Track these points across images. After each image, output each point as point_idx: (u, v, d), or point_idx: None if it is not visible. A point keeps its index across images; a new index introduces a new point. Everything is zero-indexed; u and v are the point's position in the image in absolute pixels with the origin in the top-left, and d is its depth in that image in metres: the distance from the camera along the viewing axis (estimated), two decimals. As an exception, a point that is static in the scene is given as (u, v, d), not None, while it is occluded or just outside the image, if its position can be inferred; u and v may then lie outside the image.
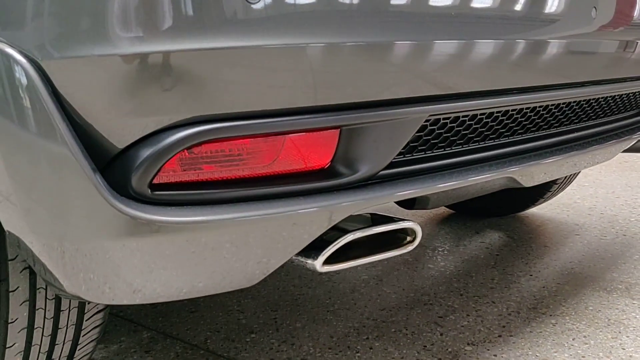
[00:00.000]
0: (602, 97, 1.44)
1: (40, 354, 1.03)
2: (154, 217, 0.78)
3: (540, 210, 2.58)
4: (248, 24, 0.77)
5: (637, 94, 1.62)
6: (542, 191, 2.29)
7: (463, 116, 1.07)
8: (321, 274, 1.91)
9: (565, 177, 2.24)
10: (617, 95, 1.51)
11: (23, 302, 0.96)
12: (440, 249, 2.15)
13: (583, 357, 1.43)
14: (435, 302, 1.72)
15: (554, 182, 2.23)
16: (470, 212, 2.54)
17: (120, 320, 1.61)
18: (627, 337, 1.52)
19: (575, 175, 2.32)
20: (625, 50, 1.36)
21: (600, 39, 1.26)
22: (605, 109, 1.51)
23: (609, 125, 1.53)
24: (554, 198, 2.66)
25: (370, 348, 1.46)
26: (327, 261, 0.94)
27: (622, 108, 1.61)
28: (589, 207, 2.65)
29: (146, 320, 1.61)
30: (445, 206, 2.59)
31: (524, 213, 2.55)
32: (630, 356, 1.43)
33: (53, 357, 1.06)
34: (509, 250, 2.14)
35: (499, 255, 2.09)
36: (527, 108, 1.20)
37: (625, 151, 1.66)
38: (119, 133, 0.77)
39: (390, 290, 1.80)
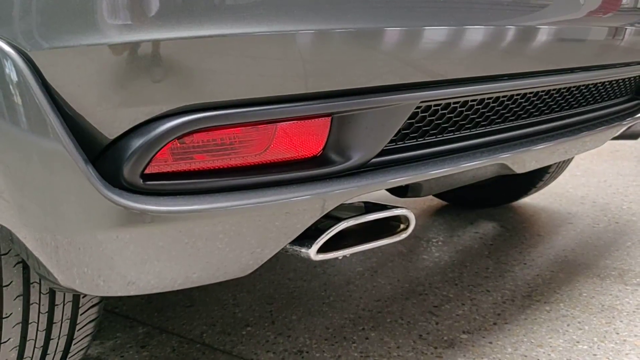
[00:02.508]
0: (591, 84, 1.45)
1: (36, 349, 1.03)
2: (147, 207, 0.77)
3: (532, 200, 2.59)
4: (237, 10, 0.77)
5: (626, 80, 1.62)
6: (534, 180, 2.30)
7: (454, 103, 1.07)
8: (315, 266, 1.91)
9: (557, 166, 2.25)
10: (607, 81, 1.52)
11: (17, 296, 0.95)
12: (434, 240, 2.15)
13: (577, 342, 1.44)
14: (430, 292, 1.72)
15: (545, 171, 2.24)
16: (463, 203, 2.54)
17: (116, 316, 1.61)
18: (621, 322, 1.53)
19: (567, 163, 2.33)
20: (614, 36, 1.36)
21: (588, 25, 1.27)
22: (595, 95, 1.52)
23: (599, 112, 1.54)
24: (546, 187, 2.67)
25: (367, 338, 1.47)
26: (321, 249, 0.94)
27: (611, 94, 1.61)
28: (581, 195, 2.66)
29: (141, 315, 1.61)
30: (439, 197, 2.59)
31: (517, 203, 2.56)
32: (624, 340, 1.44)
33: (48, 352, 1.06)
34: (503, 240, 2.14)
35: (493, 245, 2.10)
36: (517, 94, 1.21)
37: (615, 138, 1.67)
38: (109, 124, 0.77)
39: (385, 281, 1.80)
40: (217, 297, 1.71)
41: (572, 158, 2.37)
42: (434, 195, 2.61)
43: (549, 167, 2.22)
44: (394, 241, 1.03)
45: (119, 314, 1.62)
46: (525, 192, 2.40)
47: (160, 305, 1.67)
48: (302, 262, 1.96)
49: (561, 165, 2.29)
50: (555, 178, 2.38)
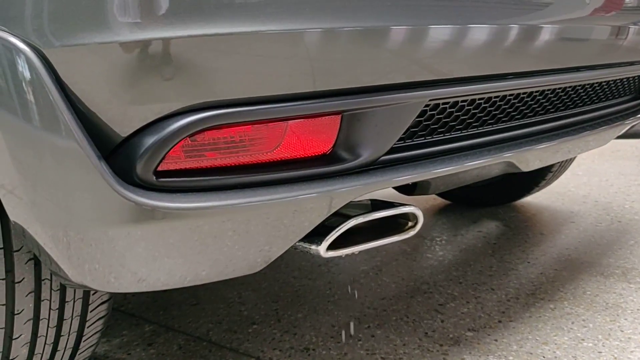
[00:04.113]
0: (596, 82, 1.46)
1: (46, 345, 1.04)
2: (159, 203, 0.78)
3: (535, 199, 2.60)
4: (247, 9, 0.77)
5: (630, 79, 1.63)
6: (537, 179, 2.31)
7: (462, 101, 1.08)
8: (319, 265, 1.92)
9: (560, 165, 2.26)
10: (611, 80, 1.52)
11: (28, 293, 0.96)
12: (438, 239, 2.16)
13: (582, 339, 1.45)
14: (435, 290, 1.73)
15: (548, 170, 2.25)
16: (466, 202, 2.55)
17: (122, 314, 1.62)
18: (625, 319, 1.54)
19: (569, 163, 2.34)
20: (618, 35, 1.37)
21: (593, 24, 1.27)
22: (600, 94, 1.53)
23: (602, 111, 1.55)
24: (549, 187, 2.67)
25: (372, 336, 1.47)
26: (331, 247, 0.94)
27: (615, 94, 1.62)
28: (584, 195, 2.67)
29: (147, 313, 1.61)
30: (442, 197, 2.60)
31: (520, 202, 2.57)
32: (629, 338, 1.45)
33: (58, 348, 1.07)
34: (506, 239, 2.15)
35: (497, 244, 2.10)
36: (523, 93, 1.21)
37: (618, 137, 1.68)
38: (122, 121, 0.78)
39: (390, 280, 1.81)
40: (222, 296, 1.71)
41: (575, 157, 2.38)
42: (438, 195, 2.61)
43: (551, 166, 2.23)
44: (403, 238, 1.04)
45: (125, 312, 1.63)
46: (528, 191, 2.41)
47: (166, 303, 1.67)
48: (306, 260, 1.97)
49: (564, 165, 2.30)
50: (557, 177, 2.38)
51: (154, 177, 0.79)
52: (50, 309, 1.00)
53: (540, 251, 2.02)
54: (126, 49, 0.74)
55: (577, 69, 1.29)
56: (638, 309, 1.59)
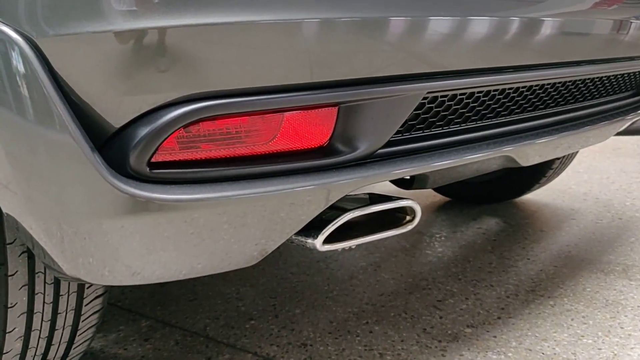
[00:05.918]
0: (596, 77, 1.44)
1: (40, 339, 1.03)
2: (153, 195, 0.77)
3: (535, 196, 2.59)
4: (244, -2, 0.76)
5: (631, 74, 1.62)
6: (538, 176, 2.30)
7: (460, 94, 1.07)
8: (318, 260, 1.91)
9: (560, 162, 2.25)
10: (612, 75, 1.51)
11: (22, 286, 0.95)
12: (437, 236, 2.15)
13: (582, 336, 1.44)
14: (434, 286, 1.72)
15: (549, 167, 2.24)
16: (466, 199, 2.54)
17: (119, 309, 1.61)
18: (625, 316, 1.53)
19: (570, 160, 2.33)
20: (619, 29, 1.36)
21: (594, 18, 1.26)
22: (600, 89, 1.52)
23: (603, 107, 1.53)
24: (549, 184, 2.66)
25: (370, 332, 1.46)
26: (327, 240, 0.93)
27: (616, 89, 1.61)
28: (584, 192, 2.65)
29: (144, 309, 1.61)
30: (442, 193, 2.59)
31: (520, 199, 2.55)
32: (629, 335, 1.44)
33: (53, 342, 1.06)
34: (506, 236, 2.14)
35: (496, 241, 2.09)
36: (523, 87, 1.20)
37: (619, 134, 1.67)
38: (116, 112, 0.77)
39: (389, 276, 1.80)
40: (220, 291, 1.70)
41: (575, 154, 2.37)
42: (437, 192, 2.60)
43: (552, 162, 2.22)
44: (400, 232, 1.03)
45: (122, 308, 1.62)
46: (529, 188, 2.40)
47: (163, 298, 1.66)
48: (305, 256, 1.96)
49: (564, 161, 2.28)
50: (558, 174, 2.37)
51: (148, 169, 0.78)
52: (44, 302, 0.99)
53: (540, 248, 2.01)
54: (120, 39, 0.73)
55: (577, 64, 1.28)
56: (638, 306, 1.58)
